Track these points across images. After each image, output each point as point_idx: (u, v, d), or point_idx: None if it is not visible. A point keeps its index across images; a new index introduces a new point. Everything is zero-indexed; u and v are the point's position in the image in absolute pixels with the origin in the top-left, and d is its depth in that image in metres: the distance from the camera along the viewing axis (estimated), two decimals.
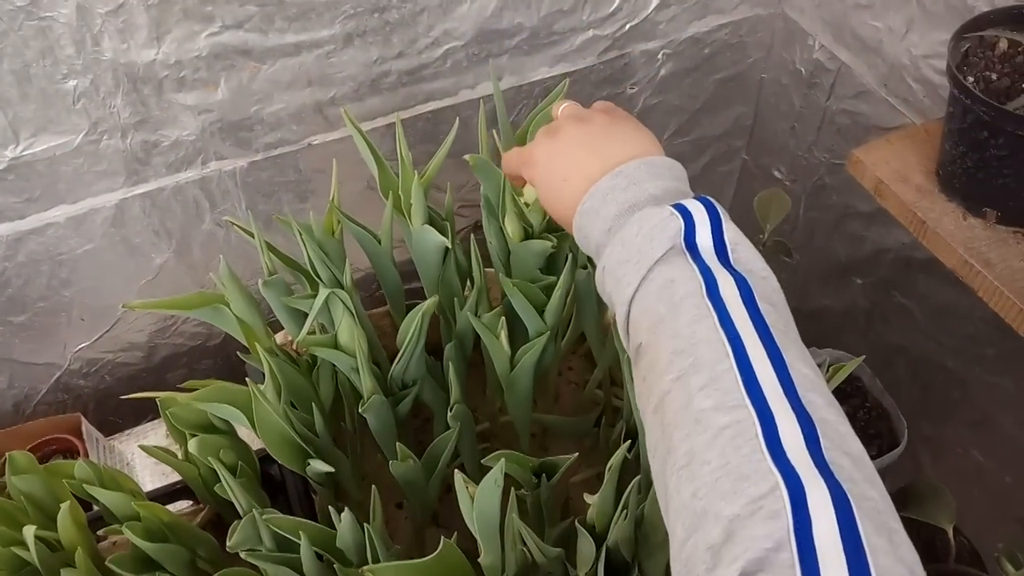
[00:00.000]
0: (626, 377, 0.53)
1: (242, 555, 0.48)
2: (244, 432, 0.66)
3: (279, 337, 0.73)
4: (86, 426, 0.89)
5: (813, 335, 1.18)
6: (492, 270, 0.70)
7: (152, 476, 0.91)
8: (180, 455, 0.65)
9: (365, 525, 0.46)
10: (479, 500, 0.39)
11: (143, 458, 0.95)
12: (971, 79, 0.61)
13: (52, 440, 0.88)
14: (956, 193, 0.67)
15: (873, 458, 0.77)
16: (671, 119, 1.09)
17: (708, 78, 1.06)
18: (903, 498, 0.72)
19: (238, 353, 0.66)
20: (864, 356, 0.49)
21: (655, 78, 1.02)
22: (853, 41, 0.92)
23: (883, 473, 0.81)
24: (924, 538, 0.74)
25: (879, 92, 0.90)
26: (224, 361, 1.05)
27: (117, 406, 1.03)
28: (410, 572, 0.41)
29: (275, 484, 0.70)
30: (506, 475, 0.55)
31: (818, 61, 0.98)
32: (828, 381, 0.50)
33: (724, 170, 1.22)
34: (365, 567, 0.40)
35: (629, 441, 0.46)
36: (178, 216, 0.87)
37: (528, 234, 0.60)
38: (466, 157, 0.60)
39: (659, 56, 0.99)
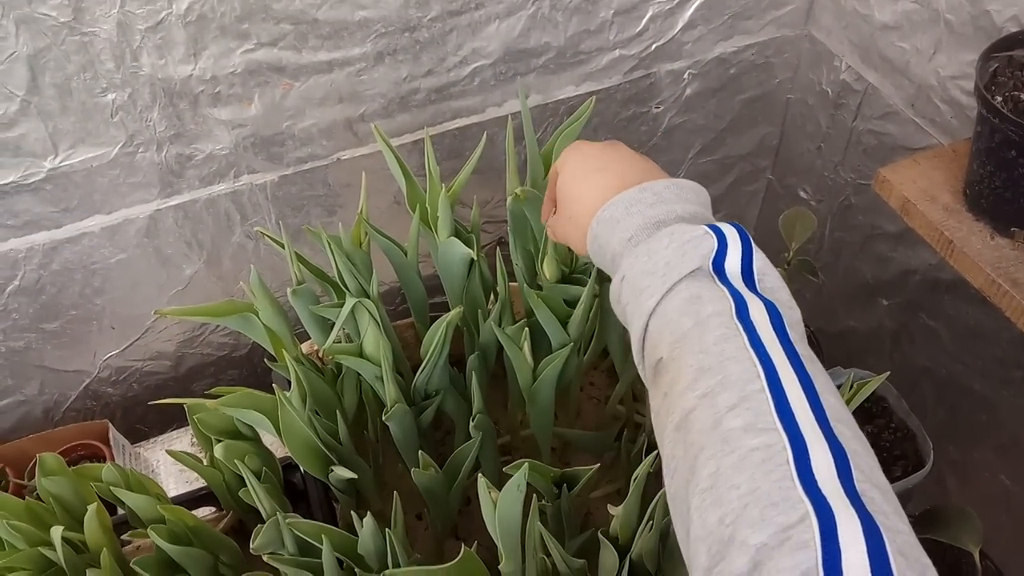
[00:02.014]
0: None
1: (265, 558, 0.48)
2: (268, 440, 0.67)
3: (305, 347, 0.74)
4: (113, 433, 0.90)
5: (839, 356, 1.17)
6: (516, 284, 0.71)
7: (176, 483, 0.92)
8: (205, 461, 0.66)
9: (387, 531, 0.46)
10: (501, 505, 0.39)
11: (168, 465, 0.96)
12: (999, 99, 0.61)
13: (80, 446, 0.90)
14: (984, 213, 0.66)
15: (897, 479, 0.76)
16: (696, 138, 1.09)
17: (734, 98, 1.06)
18: (929, 520, 0.71)
19: (265, 361, 0.67)
20: (888, 373, 0.49)
21: (681, 97, 1.02)
22: (880, 62, 0.92)
23: (907, 495, 0.80)
24: (949, 561, 0.73)
25: (906, 113, 0.90)
26: (250, 371, 1.07)
27: (144, 414, 1.05)
28: None
29: (297, 492, 0.71)
30: (528, 485, 0.55)
31: (844, 82, 0.98)
32: (852, 398, 0.49)
33: (749, 190, 1.22)
34: (386, 571, 0.40)
35: (654, 453, 0.46)
36: (209, 228, 0.89)
37: (564, 277, 0.60)
38: (517, 191, 0.61)
39: (685, 76, 1.00)
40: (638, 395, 0.77)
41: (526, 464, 0.38)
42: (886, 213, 0.99)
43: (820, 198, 1.11)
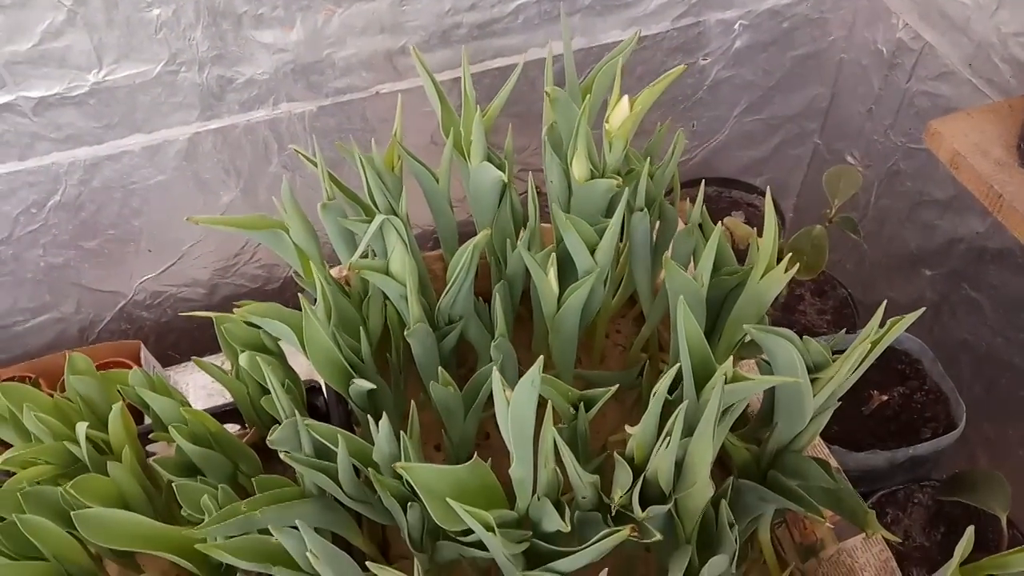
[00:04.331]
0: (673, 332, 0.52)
1: (281, 455, 0.49)
2: (293, 362, 0.67)
3: (334, 272, 0.74)
4: (144, 353, 0.92)
5: None
6: (548, 226, 0.70)
7: (205, 406, 0.93)
8: (232, 375, 0.67)
9: (401, 434, 0.46)
10: (515, 401, 0.38)
11: (197, 389, 0.97)
12: None
13: (112, 363, 0.91)
14: None
15: (927, 440, 0.74)
16: (743, 94, 1.07)
17: (785, 54, 1.04)
18: (956, 484, 0.69)
19: (293, 277, 0.67)
20: (924, 309, 0.48)
21: (729, 50, 1.00)
22: (940, 19, 0.88)
23: (935, 458, 0.78)
24: (976, 528, 0.71)
25: (963, 73, 0.87)
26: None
27: (177, 340, 1.06)
28: (441, 475, 0.42)
29: (320, 415, 0.71)
30: (546, 403, 0.54)
31: (901, 40, 0.95)
32: (882, 337, 0.48)
33: (795, 153, 1.19)
34: (397, 463, 0.40)
35: (676, 367, 0.45)
36: (247, 155, 0.89)
37: (594, 176, 0.59)
38: (547, 89, 0.60)
39: (735, 27, 0.98)
40: (663, 343, 0.76)
41: (540, 359, 0.37)
42: (935, 178, 0.96)
43: (868, 163, 1.08)
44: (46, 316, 0.97)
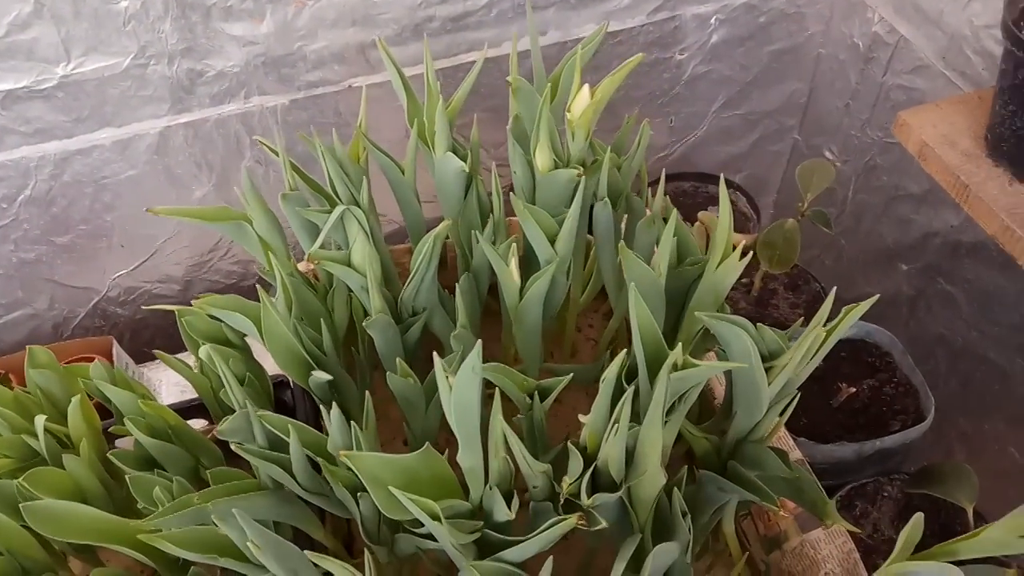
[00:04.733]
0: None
1: (233, 447, 0.48)
2: (263, 357, 0.67)
3: (301, 266, 0.74)
4: (116, 348, 0.91)
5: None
6: (516, 218, 0.70)
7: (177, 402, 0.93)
8: (197, 369, 0.66)
9: (351, 424, 0.46)
10: (457, 389, 0.38)
11: (170, 386, 0.97)
12: None
13: (83, 359, 0.91)
14: (1004, 157, 0.64)
15: (896, 432, 0.74)
16: (720, 90, 1.07)
17: (762, 49, 1.03)
18: (925, 476, 0.69)
19: (259, 273, 0.66)
20: (878, 296, 0.47)
21: (706, 44, 1.00)
22: (914, 13, 0.88)
23: (905, 450, 0.78)
24: (943, 520, 0.71)
25: (937, 66, 0.87)
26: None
27: (151, 338, 1.06)
28: (389, 465, 0.41)
29: (287, 410, 0.71)
30: (504, 398, 0.54)
31: (877, 34, 0.95)
32: (836, 325, 0.48)
33: (774, 149, 1.19)
34: (343, 451, 0.40)
35: (623, 353, 0.45)
36: (219, 149, 0.89)
37: (558, 167, 0.59)
38: (508, 79, 0.60)
39: (712, 21, 0.97)
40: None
41: (478, 343, 0.37)
42: (911, 173, 0.96)
43: (846, 158, 1.08)
44: (19, 312, 0.97)
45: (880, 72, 0.96)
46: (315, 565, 0.44)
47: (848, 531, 0.61)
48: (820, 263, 1.18)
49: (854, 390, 0.77)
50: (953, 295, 0.94)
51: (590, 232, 0.66)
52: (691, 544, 0.47)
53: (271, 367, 0.69)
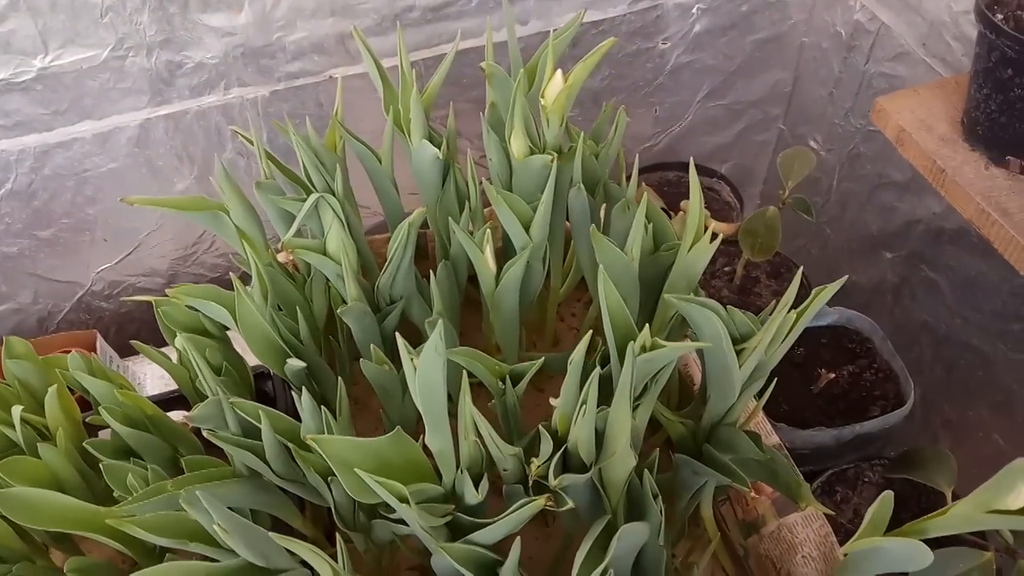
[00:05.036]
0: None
1: (205, 433, 0.48)
2: (245, 352, 0.67)
3: (281, 257, 0.74)
4: (100, 342, 0.91)
5: None
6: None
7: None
8: (177, 360, 0.66)
9: (322, 409, 0.46)
10: (422, 370, 0.38)
11: (155, 380, 0.97)
12: (1000, 16, 0.58)
13: (67, 352, 0.91)
14: (979, 141, 0.64)
15: (875, 418, 0.74)
16: (704, 79, 1.07)
17: (745, 38, 1.03)
18: (905, 461, 0.69)
19: (231, 258, 0.66)
20: (847, 277, 0.47)
21: (689, 34, 1.00)
22: (895, 0, 0.88)
23: (885, 435, 0.78)
24: (924, 505, 0.71)
25: (917, 53, 0.87)
26: None
27: (137, 331, 1.06)
28: (358, 448, 0.41)
29: (268, 401, 0.71)
30: (479, 386, 0.54)
31: (859, 22, 0.95)
32: (807, 307, 0.48)
33: (760, 139, 1.19)
34: (309, 434, 0.40)
35: (588, 332, 0.45)
36: (200, 142, 0.89)
37: (533, 153, 0.59)
38: (481, 65, 0.60)
39: (694, 10, 0.97)
40: None
41: (440, 323, 0.37)
42: (894, 161, 0.96)
43: (830, 147, 1.08)
44: (3, 307, 0.96)
45: (862, 60, 0.96)
46: (288, 550, 0.44)
47: (826, 515, 0.61)
48: (806, 252, 1.19)
49: (833, 375, 0.77)
50: (936, 282, 0.94)
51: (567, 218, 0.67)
52: (663, 526, 0.47)
53: (254, 360, 0.69)
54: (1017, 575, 0.61)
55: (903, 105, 0.69)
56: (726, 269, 0.93)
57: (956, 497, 0.72)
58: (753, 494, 0.51)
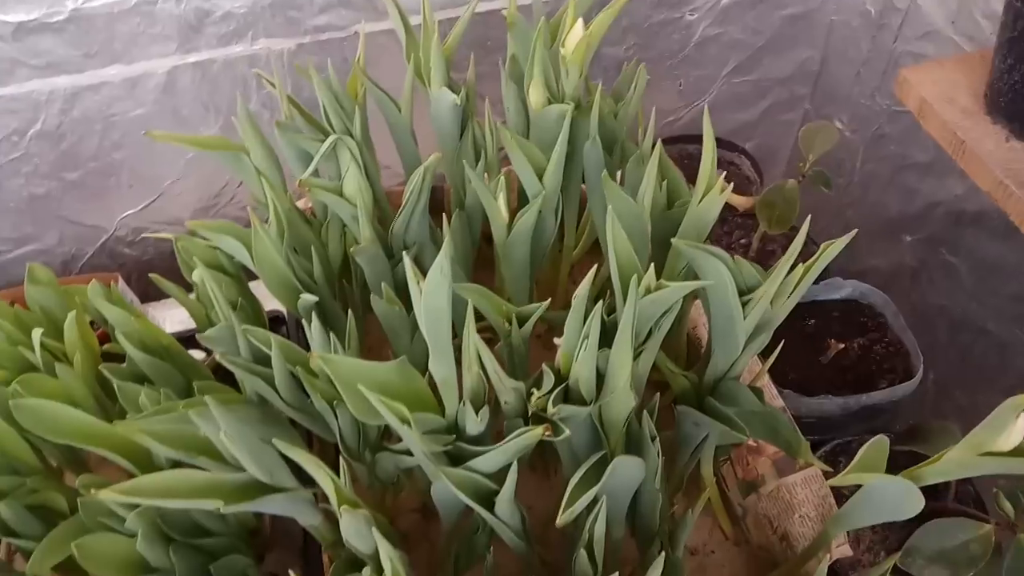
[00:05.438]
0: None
1: (218, 357, 0.49)
2: (263, 297, 0.68)
3: (300, 203, 0.75)
4: (121, 284, 0.93)
5: None
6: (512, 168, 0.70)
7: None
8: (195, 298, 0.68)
9: (329, 333, 0.47)
10: (427, 292, 0.39)
11: (175, 324, 0.98)
12: None
13: None
14: (1001, 114, 0.63)
15: (883, 388, 0.74)
16: (731, 54, 1.06)
17: (774, 13, 1.03)
18: (911, 435, 0.69)
19: (251, 197, 0.67)
20: (855, 231, 0.48)
21: (717, 5, 0.99)
22: None
23: (893, 408, 0.78)
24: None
25: (946, 31, 0.86)
26: None
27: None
28: (363, 371, 0.42)
29: None
30: (486, 331, 0.55)
31: (888, 0, 0.94)
32: (812, 264, 0.48)
33: (785, 119, 1.18)
34: (317, 354, 0.41)
35: (596, 266, 0.45)
36: (226, 92, 0.90)
37: (550, 101, 0.59)
38: (503, 11, 0.60)
39: None
40: None
41: (448, 241, 0.38)
42: (918, 141, 0.95)
43: (855, 127, 1.07)
44: (29, 247, 0.98)
45: (891, 39, 0.95)
46: (288, 468, 0.45)
47: (827, 482, 0.61)
48: (826, 235, 1.18)
49: (843, 345, 0.77)
50: (955, 265, 0.94)
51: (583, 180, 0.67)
52: (660, 470, 0.48)
53: (268, 306, 0.71)
54: (1016, 549, 0.61)
55: (926, 77, 0.68)
56: (742, 242, 0.93)
57: (966, 480, 0.72)
58: (751, 443, 0.51)
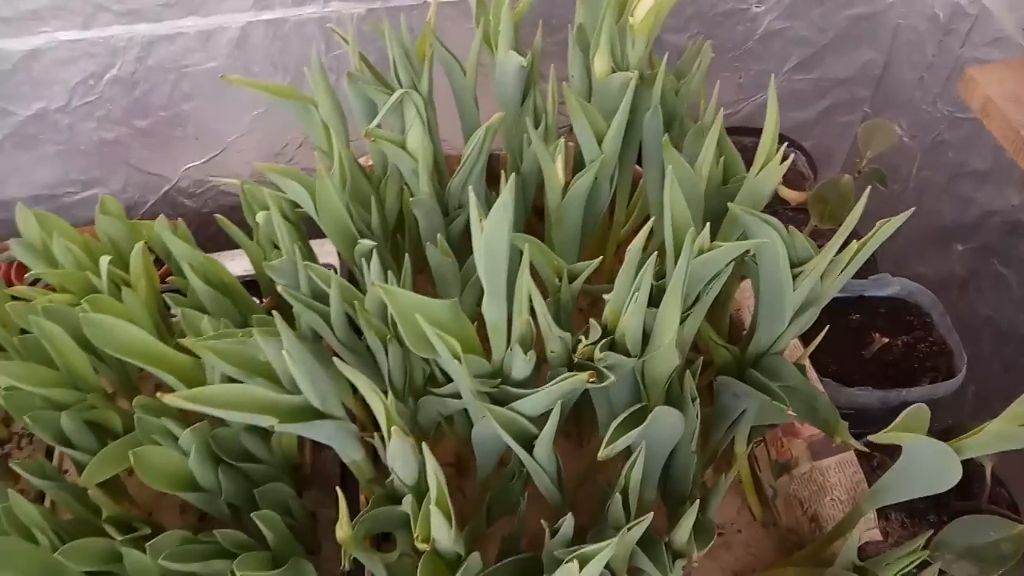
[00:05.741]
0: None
1: (279, 288, 0.51)
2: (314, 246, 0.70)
3: (362, 160, 0.77)
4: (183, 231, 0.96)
5: None
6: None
7: None
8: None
9: (390, 274, 0.49)
10: (488, 228, 0.40)
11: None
12: None
13: None
14: None
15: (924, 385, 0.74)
16: (794, 50, 1.06)
17: (841, 11, 1.02)
18: (949, 433, 0.68)
19: (316, 150, 0.69)
20: (913, 209, 0.48)
21: None
22: None
23: (932, 406, 0.77)
24: (963, 479, 0.71)
25: (1016, 38, 0.85)
26: None
27: (217, 232, 1.10)
28: (419, 304, 0.43)
29: None
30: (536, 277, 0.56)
31: (958, 4, 0.93)
32: (857, 252, 0.48)
33: (844, 120, 1.18)
34: (377, 283, 0.42)
35: (651, 221, 0.46)
36: (295, 51, 0.92)
37: (614, 69, 0.60)
38: None
39: None
40: None
41: (514, 176, 0.39)
42: (978, 148, 0.94)
43: (914, 133, 1.06)
44: (95, 190, 1.02)
45: (958, 44, 0.94)
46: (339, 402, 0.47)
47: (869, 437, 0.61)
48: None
49: (887, 340, 0.77)
50: (1006, 276, 0.93)
51: (639, 164, 0.68)
52: (696, 433, 0.49)
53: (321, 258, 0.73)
54: None
55: (993, 76, 0.68)
56: None
57: (997, 476, 0.72)
58: (788, 423, 0.52)
